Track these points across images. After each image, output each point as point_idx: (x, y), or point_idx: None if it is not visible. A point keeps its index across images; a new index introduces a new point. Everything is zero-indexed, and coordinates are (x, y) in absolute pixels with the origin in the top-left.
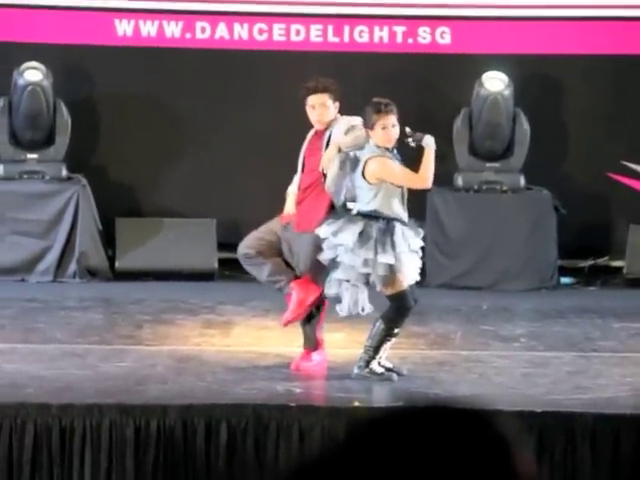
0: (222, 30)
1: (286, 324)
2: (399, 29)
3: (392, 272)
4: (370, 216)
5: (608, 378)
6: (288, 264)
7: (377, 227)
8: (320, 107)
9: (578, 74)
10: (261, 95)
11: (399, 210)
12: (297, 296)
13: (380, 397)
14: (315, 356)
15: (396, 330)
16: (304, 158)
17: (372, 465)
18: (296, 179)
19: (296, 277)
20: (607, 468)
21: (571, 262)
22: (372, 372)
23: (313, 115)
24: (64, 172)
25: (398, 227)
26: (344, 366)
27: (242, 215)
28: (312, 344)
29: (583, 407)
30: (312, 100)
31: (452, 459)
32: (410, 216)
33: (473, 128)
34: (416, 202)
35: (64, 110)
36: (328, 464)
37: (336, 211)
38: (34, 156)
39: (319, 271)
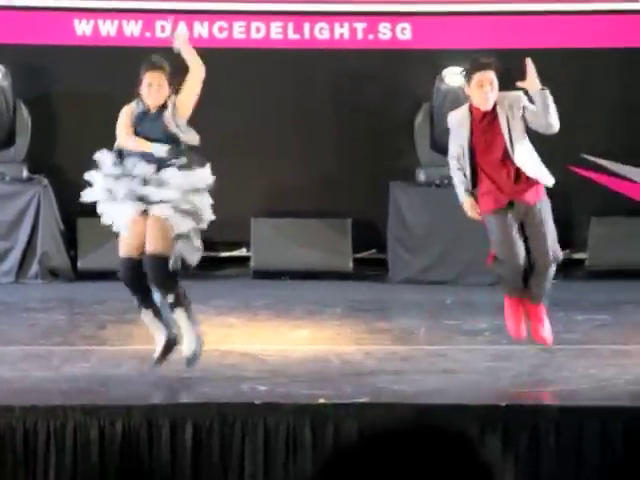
0: (182, 28)
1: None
2: (360, 25)
3: None
4: None
5: (572, 371)
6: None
7: None
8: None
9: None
10: (219, 93)
11: None
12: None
13: (346, 394)
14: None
15: None
16: None
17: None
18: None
19: None
20: (571, 460)
21: None
22: None
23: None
24: (25, 173)
25: None
26: (309, 363)
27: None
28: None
29: (547, 400)
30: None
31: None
32: (372, 211)
33: (434, 123)
34: (378, 197)
35: (24, 110)
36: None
37: None
38: None
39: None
